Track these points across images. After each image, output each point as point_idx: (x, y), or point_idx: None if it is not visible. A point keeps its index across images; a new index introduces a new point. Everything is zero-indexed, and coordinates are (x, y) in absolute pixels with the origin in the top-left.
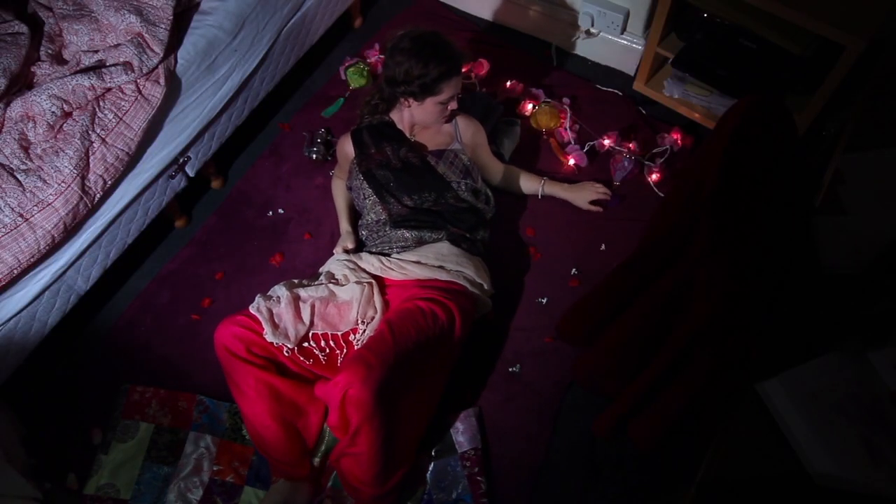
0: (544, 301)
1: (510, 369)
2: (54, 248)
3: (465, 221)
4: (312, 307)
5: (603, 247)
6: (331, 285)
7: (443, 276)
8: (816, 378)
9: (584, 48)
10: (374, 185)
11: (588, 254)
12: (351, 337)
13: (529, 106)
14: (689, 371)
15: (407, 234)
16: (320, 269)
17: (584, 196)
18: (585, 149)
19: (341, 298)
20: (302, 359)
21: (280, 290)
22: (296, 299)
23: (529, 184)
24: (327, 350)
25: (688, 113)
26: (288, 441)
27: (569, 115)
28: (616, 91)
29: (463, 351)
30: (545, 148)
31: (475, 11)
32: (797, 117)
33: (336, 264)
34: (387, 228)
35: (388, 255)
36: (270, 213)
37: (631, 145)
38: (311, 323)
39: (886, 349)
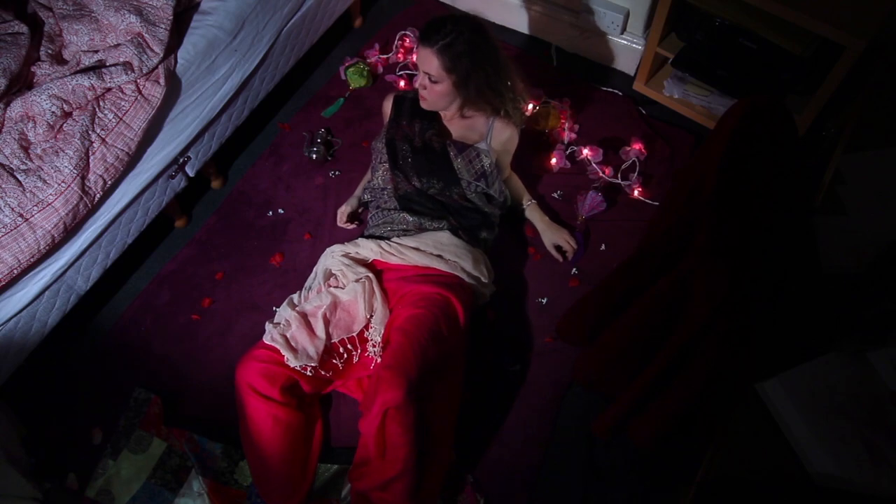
0: (544, 301)
1: (510, 369)
2: (54, 248)
3: (467, 219)
4: (324, 318)
5: (603, 247)
6: (332, 290)
7: (441, 266)
8: (816, 378)
9: (584, 48)
10: (392, 154)
11: (588, 254)
12: (365, 333)
13: (529, 106)
14: (689, 371)
15: (409, 219)
16: (315, 269)
17: (553, 237)
18: (568, 151)
19: (346, 299)
20: (322, 373)
21: (286, 313)
22: (304, 316)
23: (518, 199)
24: (346, 356)
25: (688, 113)
26: (289, 480)
27: (569, 115)
28: (616, 91)
29: (466, 351)
30: (545, 148)
31: (475, 12)
32: (797, 117)
33: (330, 259)
34: (390, 207)
35: (388, 238)
36: (270, 213)
37: (607, 171)
38: (328, 334)
39: (886, 349)
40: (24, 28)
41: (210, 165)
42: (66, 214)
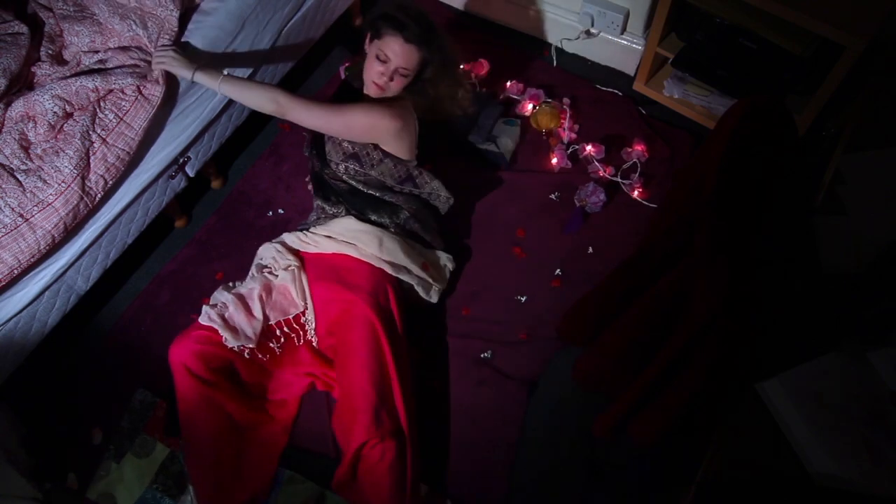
0: (523, 299)
1: (482, 355)
2: (54, 248)
3: (352, 201)
4: (260, 299)
5: (590, 249)
6: (266, 274)
7: (354, 253)
8: (816, 378)
9: (584, 48)
10: (311, 135)
11: (574, 256)
12: (302, 319)
13: (529, 106)
14: (689, 371)
15: (316, 203)
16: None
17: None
18: (570, 150)
19: (278, 284)
20: (260, 356)
21: (222, 296)
22: (241, 298)
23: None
24: (283, 339)
25: (688, 113)
26: (222, 469)
27: (569, 115)
28: (616, 91)
29: (436, 342)
30: (545, 148)
31: (475, 11)
32: (797, 117)
33: (265, 248)
34: (315, 196)
35: (308, 229)
36: (270, 213)
37: (608, 170)
38: (265, 316)
39: (886, 349)
40: (24, 28)
41: (210, 165)
42: (67, 214)
